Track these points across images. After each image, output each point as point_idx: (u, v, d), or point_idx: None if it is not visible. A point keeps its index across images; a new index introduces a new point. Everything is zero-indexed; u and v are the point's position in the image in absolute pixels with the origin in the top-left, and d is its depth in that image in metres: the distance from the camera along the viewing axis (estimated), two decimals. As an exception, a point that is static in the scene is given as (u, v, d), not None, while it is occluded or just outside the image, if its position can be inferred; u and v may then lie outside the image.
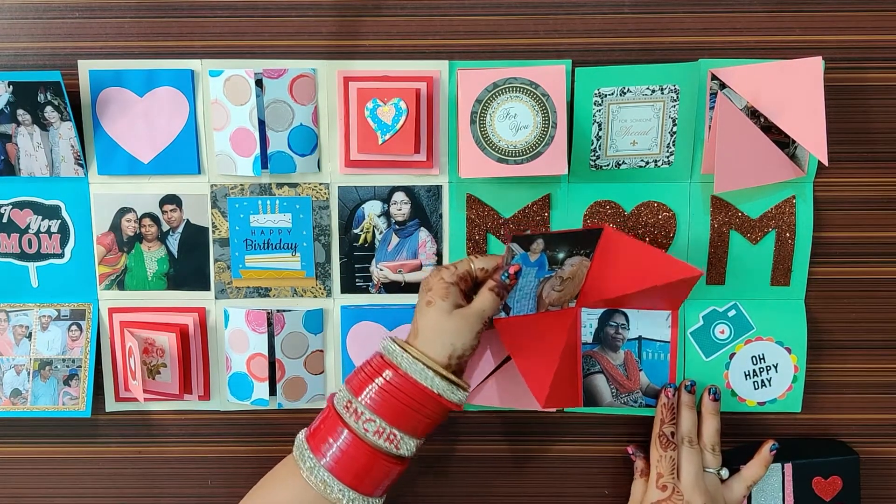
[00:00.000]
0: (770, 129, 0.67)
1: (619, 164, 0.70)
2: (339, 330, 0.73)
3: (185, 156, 0.71)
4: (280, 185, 0.71)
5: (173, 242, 0.72)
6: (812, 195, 0.70)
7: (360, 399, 0.61)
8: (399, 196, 0.71)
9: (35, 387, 0.74)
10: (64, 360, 0.73)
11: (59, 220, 0.72)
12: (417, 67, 0.69)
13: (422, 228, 0.72)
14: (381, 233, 0.72)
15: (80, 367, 0.73)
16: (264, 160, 0.70)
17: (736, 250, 0.71)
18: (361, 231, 0.72)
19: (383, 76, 0.69)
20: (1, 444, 0.76)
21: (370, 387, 0.61)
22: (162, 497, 0.77)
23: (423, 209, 0.71)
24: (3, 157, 0.71)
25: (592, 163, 0.70)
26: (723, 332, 0.72)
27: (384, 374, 0.61)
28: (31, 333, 0.74)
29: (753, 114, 0.67)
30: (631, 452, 0.71)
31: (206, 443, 0.76)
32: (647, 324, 0.69)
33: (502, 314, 0.66)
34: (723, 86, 0.67)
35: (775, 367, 0.72)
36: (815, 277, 0.72)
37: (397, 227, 0.72)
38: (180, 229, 0.72)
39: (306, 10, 0.69)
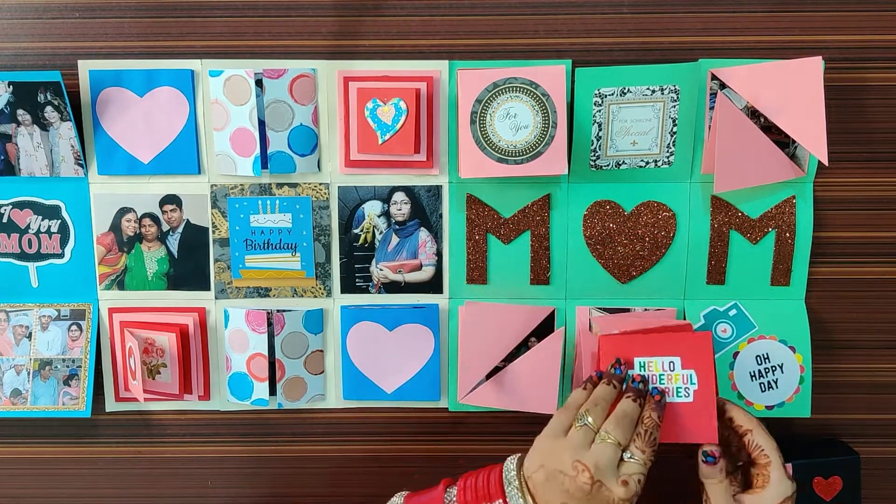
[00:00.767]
0: (770, 129, 0.67)
1: (619, 164, 0.70)
2: (339, 330, 0.73)
3: (185, 156, 0.71)
4: (280, 185, 0.71)
5: (173, 242, 0.72)
6: (812, 195, 0.70)
7: None
8: (399, 196, 0.71)
9: (35, 387, 0.74)
10: (64, 360, 0.73)
11: (59, 220, 0.72)
12: (417, 67, 0.69)
13: (422, 228, 0.72)
14: (381, 233, 0.72)
15: (80, 367, 0.73)
16: (264, 160, 0.70)
17: (736, 250, 0.71)
18: (361, 231, 0.72)
19: (383, 76, 0.69)
20: (1, 444, 0.76)
21: None
22: (162, 497, 0.77)
23: (423, 209, 0.71)
24: (3, 157, 0.71)
25: (592, 163, 0.70)
26: (725, 332, 0.72)
27: None
28: (31, 333, 0.74)
29: (753, 114, 0.67)
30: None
31: (206, 443, 0.76)
32: None
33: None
34: (723, 86, 0.67)
35: (781, 368, 0.72)
36: (815, 277, 0.72)
37: (397, 227, 0.72)
38: (180, 229, 0.72)
39: (306, 10, 0.69)
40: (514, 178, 0.69)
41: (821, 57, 0.65)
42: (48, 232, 0.73)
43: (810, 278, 0.71)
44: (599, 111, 0.68)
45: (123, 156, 0.71)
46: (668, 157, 0.69)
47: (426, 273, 0.72)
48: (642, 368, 0.62)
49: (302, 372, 0.73)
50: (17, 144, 0.70)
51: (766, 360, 0.72)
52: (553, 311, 0.72)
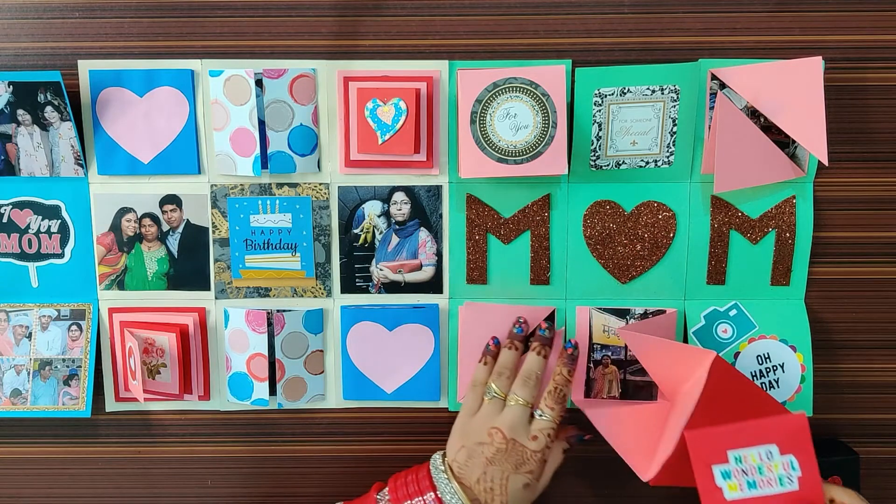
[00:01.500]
0: (770, 129, 0.67)
1: (619, 164, 0.70)
2: (339, 330, 0.73)
3: (185, 156, 0.71)
4: (280, 185, 0.71)
5: (173, 242, 0.72)
6: (812, 195, 0.70)
7: None
8: (399, 196, 0.71)
9: (35, 387, 0.74)
10: (64, 360, 0.73)
11: (59, 220, 0.72)
12: (417, 67, 0.69)
13: (422, 228, 0.72)
14: (381, 233, 0.72)
15: (80, 367, 0.73)
16: (264, 160, 0.70)
17: (736, 250, 0.71)
18: (361, 231, 0.72)
19: (383, 76, 0.69)
20: (1, 444, 0.76)
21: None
22: (161, 497, 0.77)
23: (423, 209, 0.71)
24: (3, 157, 0.71)
25: (592, 163, 0.70)
26: (725, 332, 0.72)
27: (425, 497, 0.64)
28: (31, 333, 0.74)
29: (753, 114, 0.67)
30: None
31: (206, 443, 0.76)
32: None
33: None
34: (723, 86, 0.67)
35: (782, 367, 0.72)
36: (815, 277, 0.72)
37: (397, 227, 0.72)
38: (180, 229, 0.72)
39: (306, 10, 0.69)
40: (514, 178, 0.69)
41: (821, 57, 0.65)
42: (48, 232, 0.73)
43: (810, 278, 0.71)
44: (599, 111, 0.68)
45: (123, 156, 0.71)
46: (668, 157, 0.69)
47: (426, 273, 0.72)
48: (738, 462, 0.58)
49: (302, 372, 0.73)
50: (17, 144, 0.70)
51: (768, 360, 0.72)
52: (553, 311, 0.72)
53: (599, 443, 0.76)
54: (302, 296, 0.73)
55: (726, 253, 0.71)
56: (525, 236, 0.71)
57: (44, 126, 0.70)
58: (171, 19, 0.69)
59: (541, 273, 0.71)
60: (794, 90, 0.65)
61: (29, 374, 0.74)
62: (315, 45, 0.69)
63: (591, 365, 0.72)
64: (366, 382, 0.74)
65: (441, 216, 0.71)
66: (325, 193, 0.71)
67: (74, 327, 0.73)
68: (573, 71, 0.68)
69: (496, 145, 0.67)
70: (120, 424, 0.76)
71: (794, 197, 0.70)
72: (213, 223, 0.72)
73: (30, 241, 0.73)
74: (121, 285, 0.73)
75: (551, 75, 0.66)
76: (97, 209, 0.72)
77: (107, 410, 0.75)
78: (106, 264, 0.73)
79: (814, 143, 0.65)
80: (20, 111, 0.69)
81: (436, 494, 0.63)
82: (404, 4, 0.68)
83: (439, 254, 0.72)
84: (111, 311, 0.74)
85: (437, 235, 0.72)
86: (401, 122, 0.68)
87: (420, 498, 0.64)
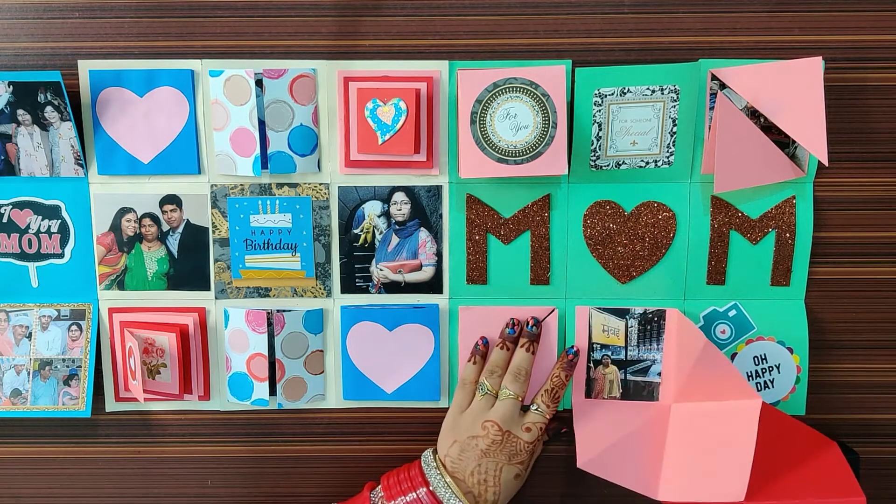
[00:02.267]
0: (770, 129, 0.67)
1: (619, 165, 0.70)
2: (339, 330, 0.73)
3: (185, 156, 0.71)
4: (280, 185, 0.71)
5: (173, 242, 0.72)
6: (812, 195, 0.70)
7: None
8: (399, 196, 0.71)
9: (35, 387, 0.74)
10: (64, 360, 0.73)
11: (59, 220, 0.72)
12: (417, 67, 0.69)
13: (422, 228, 0.72)
14: (381, 233, 0.72)
15: (80, 367, 0.73)
16: (264, 160, 0.70)
17: (736, 250, 0.71)
18: (361, 231, 0.72)
19: (383, 76, 0.69)
20: (1, 444, 0.76)
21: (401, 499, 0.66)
22: (161, 497, 0.77)
23: (423, 209, 0.71)
24: (3, 157, 0.71)
25: (592, 163, 0.70)
26: (724, 332, 0.72)
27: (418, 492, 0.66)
28: (31, 333, 0.74)
29: (753, 114, 0.67)
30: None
31: (206, 443, 0.76)
32: None
33: None
34: (723, 86, 0.67)
35: (777, 368, 0.72)
36: (815, 277, 0.72)
37: (397, 227, 0.72)
38: (180, 229, 0.72)
39: (306, 10, 0.69)
40: (514, 179, 0.69)
41: (821, 57, 0.65)
42: (48, 232, 0.73)
43: (810, 278, 0.71)
44: (599, 111, 0.68)
45: (123, 156, 0.71)
46: (668, 157, 0.69)
47: (426, 273, 0.72)
48: None
49: (302, 372, 0.73)
50: (17, 144, 0.70)
51: (764, 361, 0.72)
52: (555, 311, 0.72)
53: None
54: (302, 296, 0.73)
55: (726, 253, 0.71)
56: (525, 236, 0.71)
57: (44, 126, 0.70)
58: (171, 19, 0.69)
59: (541, 273, 0.71)
60: (794, 90, 0.65)
61: (29, 374, 0.74)
62: (315, 45, 0.69)
63: (591, 365, 0.72)
64: (366, 382, 0.74)
65: (441, 216, 0.71)
66: (325, 193, 0.71)
67: (74, 327, 0.73)
68: (573, 71, 0.68)
69: (496, 145, 0.67)
70: (120, 424, 0.76)
71: (794, 197, 0.70)
72: (213, 223, 0.72)
73: (30, 241, 0.73)
74: (121, 285, 0.73)
75: (551, 75, 0.66)
76: (97, 209, 0.72)
77: (107, 410, 0.75)
78: (106, 264, 0.73)
79: (814, 143, 0.65)
80: (20, 111, 0.69)
81: (428, 489, 0.65)
82: (404, 4, 0.68)
83: (439, 254, 0.72)
84: (111, 311, 0.74)
85: (437, 235, 0.72)
86: (401, 123, 0.68)
87: (414, 493, 0.65)
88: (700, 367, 0.67)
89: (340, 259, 0.72)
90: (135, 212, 0.72)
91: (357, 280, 0.73)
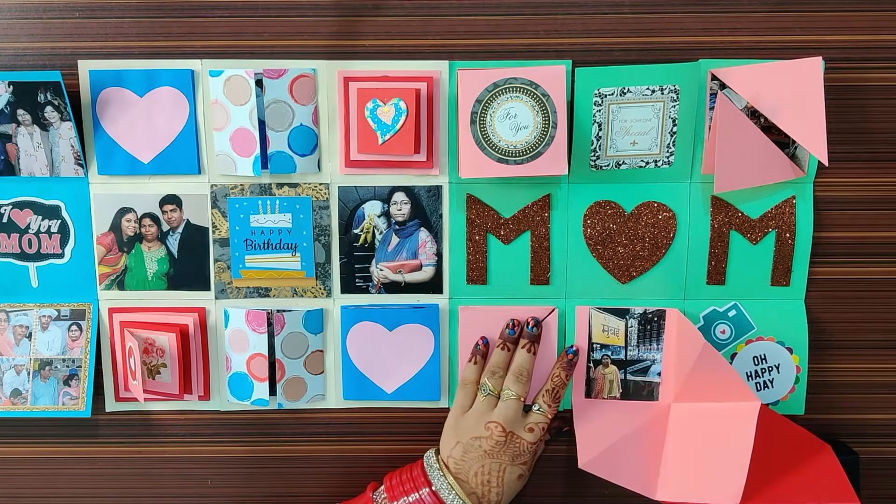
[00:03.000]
0: (770, 129, 0.67)
1: (619, 165, 0.70)
2: (339, 330, 0.73)
3: (185, 156, 0.71)
4: (280, 185, 0.71)
5: (173, 242, 0.72)
6: (812, 195, 0.70)
7: None
8: (399, 196, 0.71)
9: (35, 387, 0.74)
10: (64, 360, 0.73)
11: (59, 220, 0.72)
12: (417, 67, 0.69)
13: (422, 228, 0.72)
14: (381, 233, 0.72)
15: (80, 367, 0.73)
16: (264, 160, 0.70)
17: (736, 250, 0.71)
18: (361, 231, 0.72)
19: (383, 76, 0.69)
20: (1, 444, 0.76)
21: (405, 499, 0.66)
22: (161, 497, 0.77)
23: (423, 209, 0.71)
24: (3, 157, 0.71)
25: (592, 163, 0.70)
26: (723, 332, 0.72)
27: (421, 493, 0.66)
28: (31, 333, 0.74)
29: (753, 114, 0.67)
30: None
31: (206, 443, 0.76)
32: None
33: None
34: (723, 86, 0.67)
35: (777, 368, 0.72)
36: (815, 277, 0.72)
37: (397, 227, 0.72)
38: (180, 229, 0.72)
39: (306, 10, 0.69)
40: (514, 179, 0.69)
41: (821, 57, 0.65)
42: (48, 232, 0.73)
43: (810, 278, 0.71)
44: (599, 111, 0.68)
45: (123, 156, 0.71)
46: (668, 158, 0.69)
47: (426, 273, 0.72)
48: None
49: (302, 372, 0.73)
50: (17, 144, 0.70)
51: (763, 361, 0.72)
52: (555, 311, 0.72)
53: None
54: (302, 296, 0.73)
55: (726, 253, 0.71)
56: (525, 236, 0.71)
57: (44, 126, 0.70)
58: (171, 19, 0.69)
59: (541, 273, 0.71)
60: (794, 90, 0.65)
61: (29, 374, 0.74)
62: (315, 45, 0.69)
63: (591, 364, 0.72)
64: (366, 382, 0.74)
65: (441, 216, 0.71)
66: (325, 193, 0.71)
67: (74, 327, 0.73)
68: (573, 71, 0.68)
69: (496, 145, 0.67)
70: (120, 424, 0.76)
71: (794, 197, 0.70)
72: (213, 223, 0.72)
73: (30, 241, 0.73)
74: (121, 285, 0.73)
75: (551, 75, 0.66)
76: (97, 209, 0.72)
77: (107, 410, 0.75)
78: (106, 264, 0.73)
79: (814, 143, 0.65)
80: (20, 111, 0.69)
81: (431, 490, 0.65)
82: (404, 4, 0.68)
83: (439, 254, 0.72)
84: (111, 311, 0.74)
85: (437, 236, 0.72)
86: (401, 123, 0.68)
87: (416, 494, 0.65)
88: (699, 368, 0.67)
89: (340, 259, 0.72)
90: (135, 212, 0.72)
91: (357, 280, 0.73)
